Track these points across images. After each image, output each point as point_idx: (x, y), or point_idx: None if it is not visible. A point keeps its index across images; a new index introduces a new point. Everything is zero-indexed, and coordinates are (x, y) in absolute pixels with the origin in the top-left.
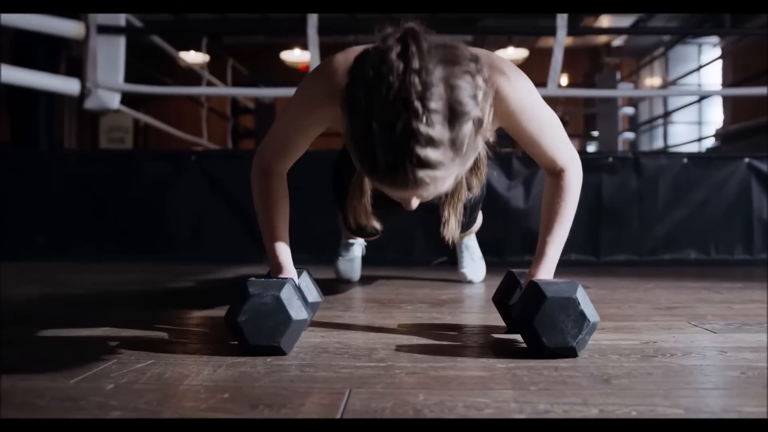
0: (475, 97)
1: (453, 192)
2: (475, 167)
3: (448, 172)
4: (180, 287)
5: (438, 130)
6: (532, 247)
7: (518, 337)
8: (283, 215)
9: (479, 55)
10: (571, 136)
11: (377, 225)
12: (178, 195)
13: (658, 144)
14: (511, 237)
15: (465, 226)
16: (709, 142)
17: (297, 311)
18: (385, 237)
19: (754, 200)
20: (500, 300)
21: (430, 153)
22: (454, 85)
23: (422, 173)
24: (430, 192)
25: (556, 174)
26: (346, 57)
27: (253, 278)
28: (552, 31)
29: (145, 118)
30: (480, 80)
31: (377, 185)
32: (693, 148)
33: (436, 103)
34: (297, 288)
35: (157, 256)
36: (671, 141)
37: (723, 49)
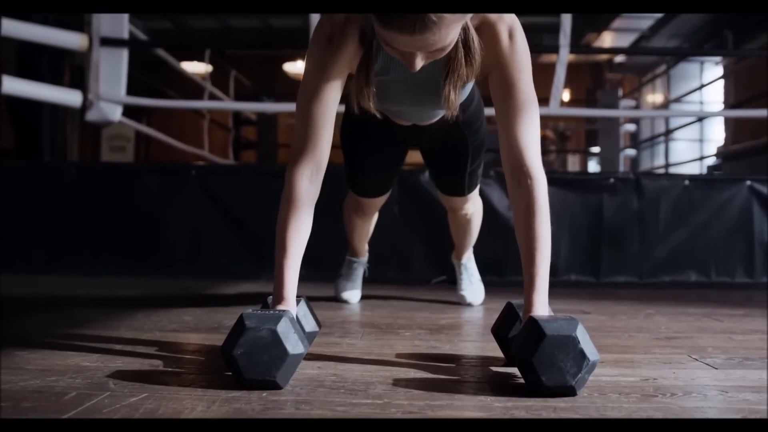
0: None
1: (452, 69)
2: (470, 53)
3: (451, 17)
4: (177, 306)
5: None
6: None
7: (516, 370)
8: (300, 239)
9: None
10: (572, 151)
11: (375, 110)
12: (178, 209)
13: (660, 161)
14: (511, 256)
15: (468, 180)
16: (711, 161)
17: (294, 345)
18: (385, 254)
19: (756, 223)
20: (499, 332)
21: None
22: None
23: (428, 15)
24: (435, 38)
25: (524, 179)
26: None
27: (251, 310)
28: (554, 49)
29: (146, 130)
30: None
31: (387, 35)
32: (694, 166)
33: None
34: (294, 321)
35: (156, 270)
36: (673, 158)
37: (725, 68)
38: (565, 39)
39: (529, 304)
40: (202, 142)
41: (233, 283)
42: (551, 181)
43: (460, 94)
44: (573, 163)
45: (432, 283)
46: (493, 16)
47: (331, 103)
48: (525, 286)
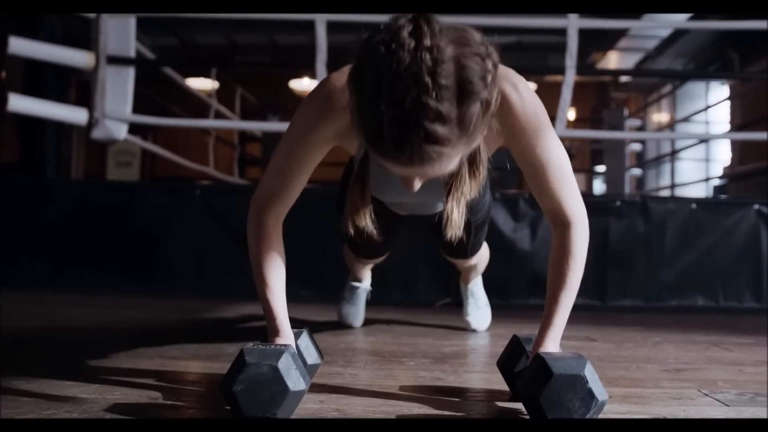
0: (484, 78)
1: (456, 186)
2: (474, 166)
3: (454, 150)
4: (179, 330)
5: (447, 106)
6: (538, 289)
7: (522, 406)
8: (280, 272)
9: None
10: (577, 171)
11: (375, 231)
12: (182, 228)
13: (665, 181)
14: (516, 279)
15: (471, 249)
16: (717, 181)
17: (295, 382)
18: (389, 275)
19: (763, 247)
20: (505, 366)
21: (438, 128)
22: (464, 64)
23: (429, 148)
24: (435, 170)
25: (562, 226)
26: (341, 74)
27: (251, 344)
28: (560, 71)
29: (152, 147)
30: (489, 64)
31: (382, 161)
32: (701, 187)
33: (447, 80)
34: (295, 355)
35: (159, 289)
36: (678, 178)
37: (731, 89)
38: (571, 60)
39: (541, 338)
40: (207, 158)
41: (236, 304)
42: None
43: (463, 212)
44: (578, 182)
45: (437, 306)
46: (500, 85)
47: (311, 163)
48: (543, 320)
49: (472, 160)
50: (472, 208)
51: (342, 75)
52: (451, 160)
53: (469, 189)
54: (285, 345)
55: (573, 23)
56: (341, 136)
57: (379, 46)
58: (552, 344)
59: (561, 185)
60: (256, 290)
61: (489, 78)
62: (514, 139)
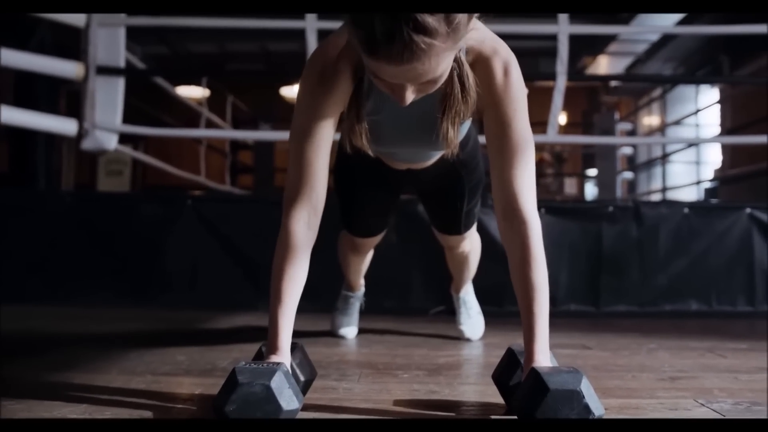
0: None
1: (449, 105)
2: (464, 90)
3: (443, 44)
4: (171, 344)
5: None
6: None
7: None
8: (296, 287)
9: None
10: (569, 174)
11: (370, 149)
12: (174, 238)
13: (657, 184)
14: (510, 286)
15: (465, 219)
16: (708, 184)
17: (288, 401)
18: (382, 282)
19: (756, 251)
20: (500, 379)
21: (427, 17)
22: None
23: (418, 38)
24: (425, 68)
25: (517, 223)
26: (327, 41)
27: (244, 363)
28: (551, 76)
29: (143, 157)
30: None
31: (375, 65)
32: (692, 190)
33: None
34: (289, 374)
35: (152, 300)
36: (670, 181)
37: (721, 92)
38: (562, 66)
39: (530, 353)
40: (198, 166)
41: (230, 315)
42: (550, 210)
43: (458, 131)
44: (570, 186)
45: (430, 314)
46: (487, 50)
47: (324, 143)
48: (524, 335)
49: (462, 82)
50: (464, 162)
51: (328, 42)
52: (439, 58)
53: (462, 110)
54: (278, 363)
55: (563, 29)
56: (343, 101)
57: None
58: (542, 356)
59: (521, 174)
60: (270, 298)
61: None
62: (490, 106)
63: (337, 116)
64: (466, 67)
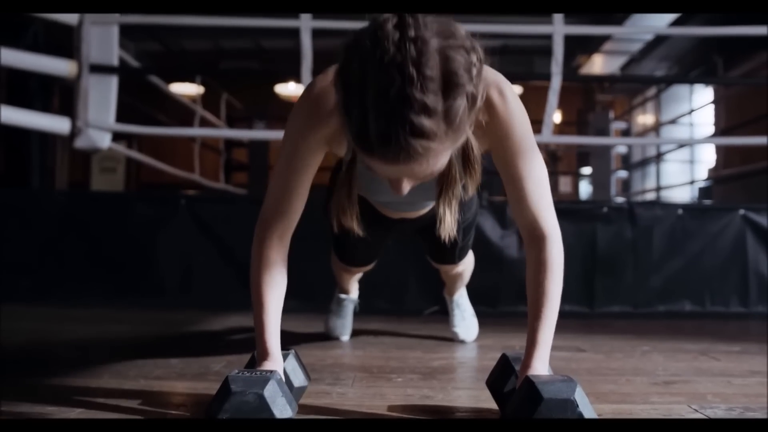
0: (469, 71)
1: (447, 186)
2: (469, 165)
3: (441, 145)
4: (164, 345)
5: (432, 98)
6: (525, 298)
7: None
8: (277, 293)
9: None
10: (563, 173)
11: (361, 232)
12: (168, 238)
13: (651, 183)
14: (504, 287)
15: (459, 253)
16: (702, 183)
17: (281, 409)
18: (376, 284)
19: (750, 252)
20: (494, 385)
21: (424, 121)
22: (449, 56)
23: (415, 142)
24: (423, 168)
25: (537, 241)
26: (326, 75)
27: (237, 371)
28: (546, 77)
29: (137, 155)
30: (474, 58)
31: (369, 161)
32: (686, 190)
33: (432, 71)
34: (282, 382)
35: (146, 300)
36: (664, 180)
37: (715, 92)
38: (557, 67)
39: (528, 359)
40: (192, 164)
41: (223, 315)
42: None
43: (456, 214)
44: (565, 184)
45: (424, 314)
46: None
47: (309, 172)
48: (528, 339)
49: (466, 159)
50: (461, 207)
51: (326, 77)
52: (438, 158)
53: (460, 191)
54: (271, 371)
55: (558, 29)
56: (331, 141)
57: (364, 39)
58: (540, 364)
59: (540, 200)
60: (252, 309)
61: (474, 71)
62: (498, 144)
63: (323, 152)
64: (471, 139)
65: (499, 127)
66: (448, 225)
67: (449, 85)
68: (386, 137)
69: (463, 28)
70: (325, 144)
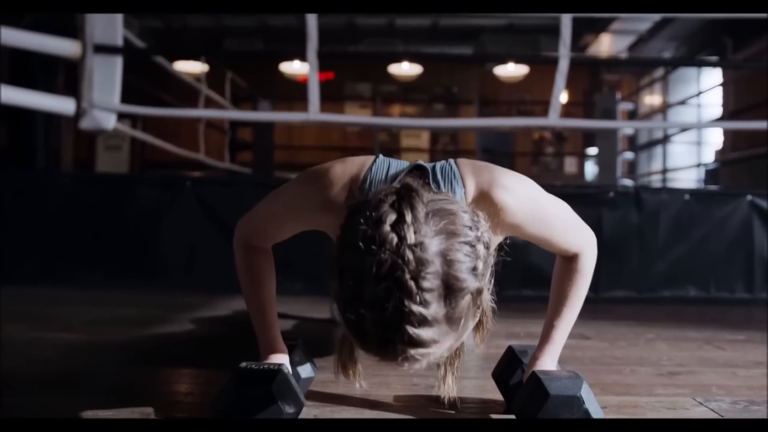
0: (474, 270)
1: (452, 356)
2: (479, 325)
3: (442, 347)
4: (170, 331)
5: (432, 309)
6: (531, 281)
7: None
8: (270, 291)
9: (479, 186)
10: (569, 153)
11: (364, 383)
12: (173, 221)
13: (657, 165)
14: (509, 271)
15: None
16: (709, 166)
17: (288, 404)
18: None
19: (756, 238)
20: (500, 377)
21: (422, 332)
22: (451, 260)
23: (413, 351)
24: (422, 366)
25: (570, 258)
26: (344, 170)
27: (244, 364)
28: (554, 60)
29: (142, 135)
30: (481, 248)
31: (365, 353)
32: (692, 172)
33: (431, 282)
34: (289, 375)
35: (151, 282)
36: (670, 161)
37: (724, 74)
38: (564, 49)
39: (539, 352)
40: (197, 143)
41: (227, 298)
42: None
43: (458, 374)
44: (570, 165)
45: None
46: (484, 186)
47: (299, 227)
48: (543, 334)
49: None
50: None
51: (343, 171)
52: (439, 355)
53: (465, 353)
54: (278, 364)
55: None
56: (327, 227)
57: (360, 240)
58: (550, 359)
59: (567, 237)
60: (247, 305)
61: (480, 265)
62: (517, 232)
63: (311, 227)
64: (485, 303)
65: (514, 219)
66: (449, 386)
67: (451, 290)
68: (384, 344)
69: (467, 215)
70: (317, 226)
